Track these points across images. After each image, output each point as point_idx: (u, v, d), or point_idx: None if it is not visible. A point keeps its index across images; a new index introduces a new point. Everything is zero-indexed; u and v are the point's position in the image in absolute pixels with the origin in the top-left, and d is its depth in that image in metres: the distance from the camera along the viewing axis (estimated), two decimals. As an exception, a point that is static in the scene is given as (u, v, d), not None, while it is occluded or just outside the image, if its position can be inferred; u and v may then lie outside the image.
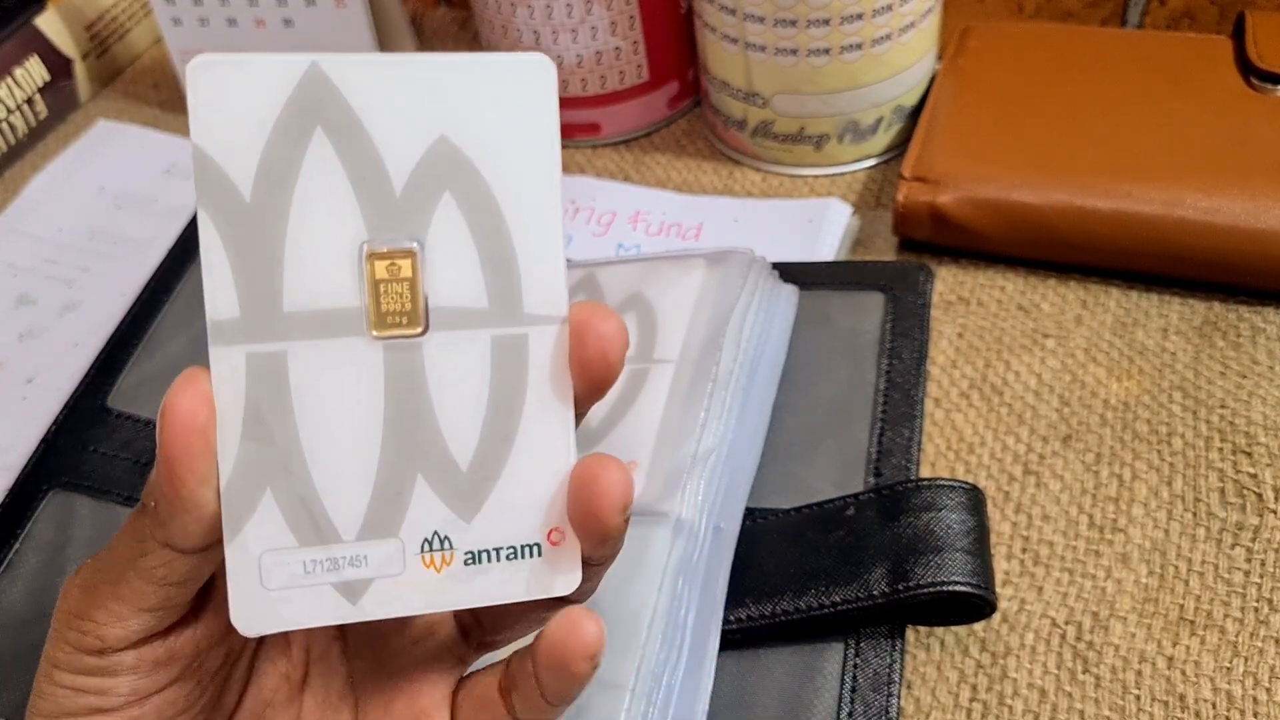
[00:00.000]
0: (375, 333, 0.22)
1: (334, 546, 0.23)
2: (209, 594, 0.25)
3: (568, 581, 0.24)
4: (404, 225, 0.22)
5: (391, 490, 0.23)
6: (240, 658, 0.27)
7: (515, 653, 0.26)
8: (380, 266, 0.22)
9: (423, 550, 0.23)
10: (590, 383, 0.24)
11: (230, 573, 0.22)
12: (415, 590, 0.23)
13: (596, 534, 0.24)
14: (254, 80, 0.21)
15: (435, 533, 0.23)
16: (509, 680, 0.26)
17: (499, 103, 0.23)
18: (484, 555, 0.23)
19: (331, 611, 0.23)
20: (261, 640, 0.27)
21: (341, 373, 0.22)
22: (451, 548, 0.23)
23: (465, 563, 0.23)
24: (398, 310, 0.22)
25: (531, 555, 0.24)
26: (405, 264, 0.22)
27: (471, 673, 0.28)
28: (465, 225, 0.23)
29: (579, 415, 0.24)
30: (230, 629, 0.23)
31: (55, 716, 0.24)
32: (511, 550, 0.24)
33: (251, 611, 0.22)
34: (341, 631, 0.28)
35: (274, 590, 0.22)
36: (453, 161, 0.22)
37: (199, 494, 0.22)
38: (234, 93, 0.21)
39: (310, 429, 0.22)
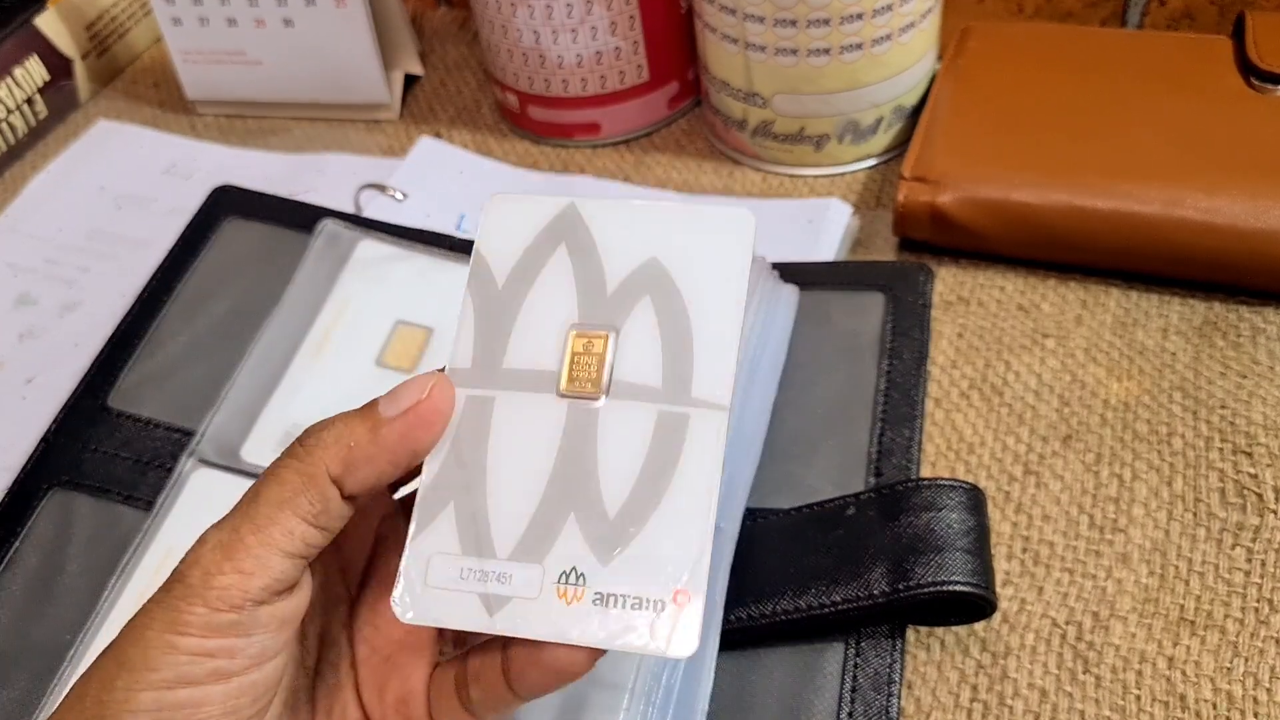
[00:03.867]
0: (563, 390, 0.27)
1: (488, 561, 0.26)
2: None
3: (685, 643, 0.25)
4: (607, 316, 0.28)
5: (546, 522, 0.27)
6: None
7: (472, 649, 0.28)
8: (578, 342, 0.28)
9: (559, 580, 0.26)
10: None
11: (405, 564, 0.27)
12: (544, 616, 0.26)
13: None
14: (528, 211, 0.29)
15: (574, 568, 0.26)
16: (463, 675, 0.28)
17: (707, 239, 0.28)
18: (611, 599, 0.26)
19: (471, 618, 0.26)
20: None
21: (530, 419, 0.27)
22: (585, 584, 0.26)
23: (593, 601, 0.26)
24: (584, 377, 0.27)
25: (654, 609, 0.26)
26: (599, 342, 0.28)
27: (444, 660, 0.29)
28: (656, 322, 0.28)
29: None
30: (308, 609, 0.27)
31: (173, 685, 0.25)
32: (637, 600, 0.26)
33: (412, 601, 0.26)
34: (350, 619, 0.30)
35: (434, 587, 0.26)
36: (657, 276, 0.28)
37: (420, 453, 0.27)
38: (511, 217, 0.29)
39: (495, 460, 0.27)
